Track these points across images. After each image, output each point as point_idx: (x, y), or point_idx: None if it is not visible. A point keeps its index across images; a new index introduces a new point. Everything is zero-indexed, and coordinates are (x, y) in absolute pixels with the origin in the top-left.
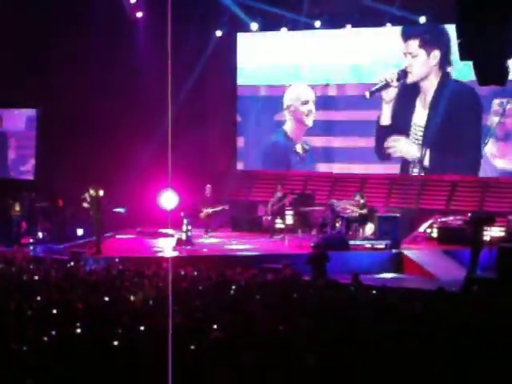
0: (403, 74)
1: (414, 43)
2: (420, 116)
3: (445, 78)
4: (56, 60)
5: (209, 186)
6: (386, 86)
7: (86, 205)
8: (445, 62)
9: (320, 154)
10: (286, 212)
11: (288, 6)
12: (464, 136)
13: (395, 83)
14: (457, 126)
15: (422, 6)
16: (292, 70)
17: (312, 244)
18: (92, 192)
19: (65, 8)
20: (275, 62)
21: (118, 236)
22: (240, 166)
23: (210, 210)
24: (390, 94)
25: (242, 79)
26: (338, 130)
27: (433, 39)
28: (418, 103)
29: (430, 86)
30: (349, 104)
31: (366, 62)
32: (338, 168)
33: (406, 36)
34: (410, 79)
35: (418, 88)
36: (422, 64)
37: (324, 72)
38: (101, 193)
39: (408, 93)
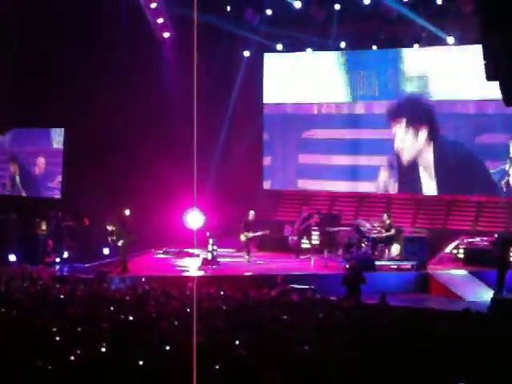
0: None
1: (401, 125)
2: (429, 186)
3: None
4: (83, 79)
5: (252, 212)
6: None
7: (110, 228)
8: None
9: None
10: (312, 232)
11: (313, 27)
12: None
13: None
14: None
15: (450, 24)
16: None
17: (347, 265)
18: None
19: (93, 28)
20: (302, 81)
21: (143, 255)
22: (267, 185)
23: (250, 235)
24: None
25: (268, 98)
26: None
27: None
28: (423, 176)
29: (427, 161)
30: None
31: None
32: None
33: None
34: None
35: (417, 165)
36: (412, 146)
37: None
38: (127, 212)
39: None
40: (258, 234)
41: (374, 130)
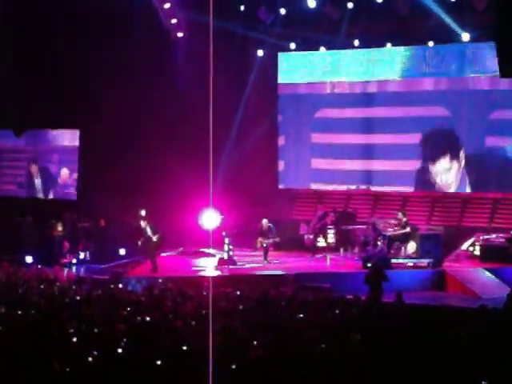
0: None
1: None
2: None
3: None
4: (98, 81)
5: (265, 220)
6: None
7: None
8: None
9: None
10: (328, 231)
11: (326, 25)
12: None
13: None
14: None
15: (464, 22)
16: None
17: (368, 264)
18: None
19: (106, 29)
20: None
21: (160, 255)
22: (282, 185)
23: (265, 242)
24: None
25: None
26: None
27: None
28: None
29: None
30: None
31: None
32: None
33: None
34: None
35: None
36: None
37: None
38: (142, 213)
39: None
40: (271, 241)
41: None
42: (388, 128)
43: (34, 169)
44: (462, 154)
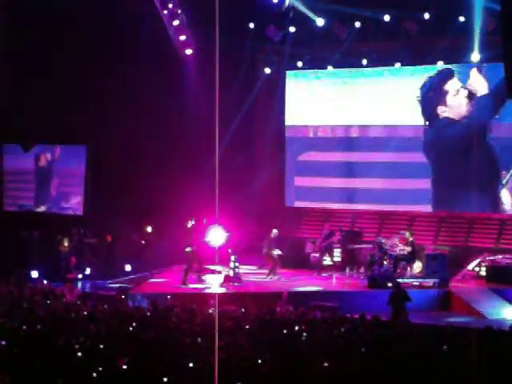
0: None
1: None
2: None
3: None
4: (106, 97)
5: (275, 230)
6: None
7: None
8: None
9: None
10: (334, 249)
11: (335, 45)
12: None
13: None
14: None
15: (473, 44)
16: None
17: (390, 284)
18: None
19: (115, 46)
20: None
21: (166, 272)
22: (288, 202)
23: (278, 252)
24: None
25: (290, 119)
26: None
27: None
28: None
29: None
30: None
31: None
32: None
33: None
34: None
35: None
36: None
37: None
38: (148, 229)
39: None
40: (276, 253)
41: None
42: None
43: (42, 184)
44: None
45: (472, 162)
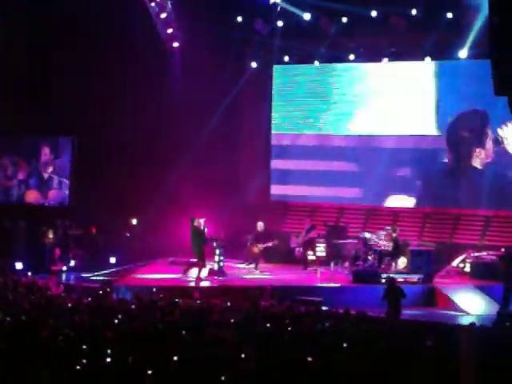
0: None
1: None
2: None
3: None
4: (92, 88)
5: (261, 223)
6: None
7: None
8: None
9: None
10: (318, 244)
11: (323, 39)
12: None
13: None
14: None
15: (461, 39)
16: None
17: (385, 280)
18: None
19: (103, 37)
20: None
21: (150, 265)
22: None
23: (261, 246)
24: None
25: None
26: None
27: None
28: None
29: None
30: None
31: None
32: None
33: None
34: None
35: None
36: None
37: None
38: (134, 222)
39: None
40: (269, 244)
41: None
42: None
43: (27, 174)
44: None
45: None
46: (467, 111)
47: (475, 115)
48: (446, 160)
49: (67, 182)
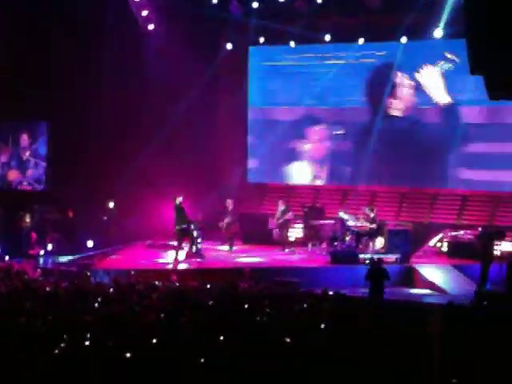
0: None
1: None
2: None
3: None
4: (67, 72)
5: (229, 200)
6: None
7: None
8: None
9: None
10: (295, 225)
11: (298, 20)
12: None
13: None
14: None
15: (433, 19)
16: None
17: (368, 261)
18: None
19: (78, 21)
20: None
21: (128, 248)
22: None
23: (226, 220)
24: None
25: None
26: None
27: None
28: None
29: None
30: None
31: None
32: None
33: None
34: None
35: None
36: None
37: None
38: (111, 205)
39: None
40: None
41: None
42: None
43: (9, 157)
44: None
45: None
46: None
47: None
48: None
49: (43, 163)
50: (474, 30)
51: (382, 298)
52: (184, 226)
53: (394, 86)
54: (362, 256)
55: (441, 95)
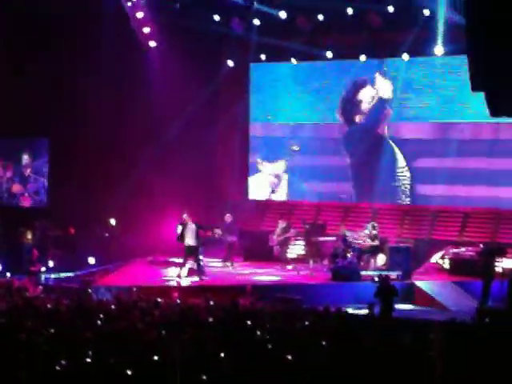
0: None
1: None
2: None
3: None
4: (68, 88)
5: (228, 215)
6: None
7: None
8: None
9: None
10: (297, 242)
11: (300, 37)
12: None
13: None
14: None
15: (436, 37)
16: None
17: (376, 278)
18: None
19: (79, 37)
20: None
21: (130, 265)
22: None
23: (218, 231)
24: None
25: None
26: None
27: None
28: None
29: None
30: None
31: None
32: None
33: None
34: None
35: None
36: None
37: None
38: (112, 222)
39: None
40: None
41: None
42: None
43: (13, 173)
44: None
45: None
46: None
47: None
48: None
49: (42, 179)
50: (476, 48)
51: (391, 315)
52: (194, 245)
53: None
54: (364, 273)
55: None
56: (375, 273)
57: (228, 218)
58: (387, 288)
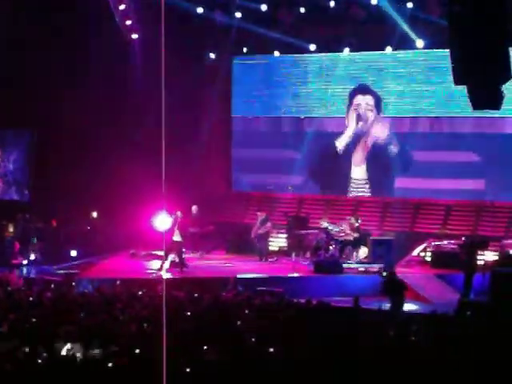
0: None
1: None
2: None
3: None
4: (52, 82)
5: (195, 206)
6: None
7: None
8: None
9: None
10: (279, 235)
11: (282, 28)
12: None
13: None
14: None
15: (420, 29)
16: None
17: (384, 273)
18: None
19: (63, 31)
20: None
21: (112, 258)
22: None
23: (191, 230)
24: None
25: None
26: None
27: None
28: None
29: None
30: None
31: None
32: None
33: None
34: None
35: None
36: None
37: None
38: (94, 215)
39: None
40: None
41: None
42: None
43: None
44: None
45: None
46: None
47: None
48: None
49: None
50: (458, 42)
51: (401, 310)
52: (179, 240)
53: None
54: (346, 266)
55: None
56: (356, 265)
57: (194, 209)
58: (396, 283)
